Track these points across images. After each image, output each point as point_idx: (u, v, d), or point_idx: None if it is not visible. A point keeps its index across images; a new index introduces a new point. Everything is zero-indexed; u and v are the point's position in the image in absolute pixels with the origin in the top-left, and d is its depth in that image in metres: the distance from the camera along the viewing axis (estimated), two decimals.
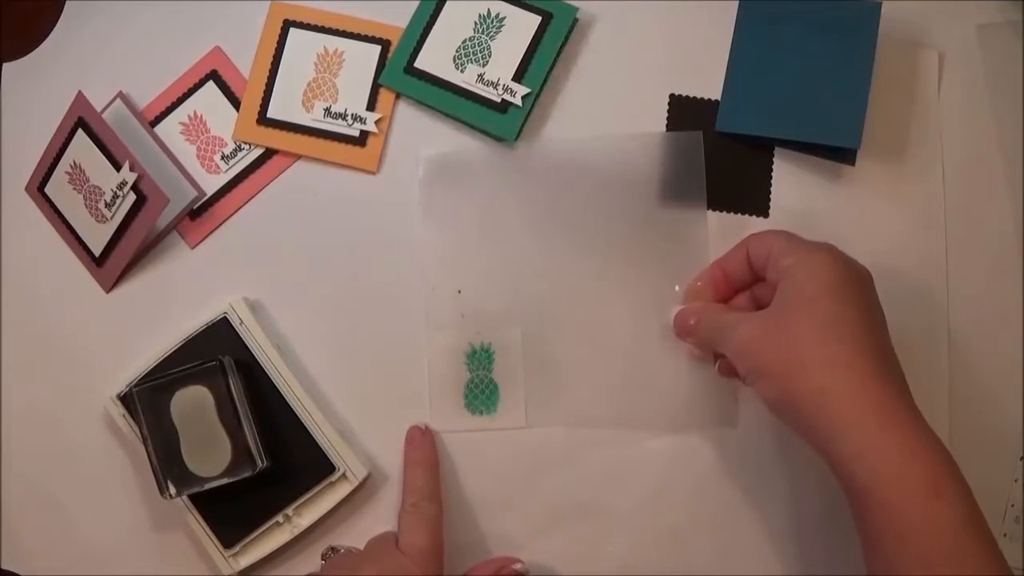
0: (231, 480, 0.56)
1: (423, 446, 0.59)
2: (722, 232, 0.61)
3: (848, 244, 0.61)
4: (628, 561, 0.59)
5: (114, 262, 0.62)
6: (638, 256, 0.61)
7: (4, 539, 0.62)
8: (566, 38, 0.63)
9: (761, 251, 0.53)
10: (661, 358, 0.60)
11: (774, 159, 0.62)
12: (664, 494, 0.60)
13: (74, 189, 0.62)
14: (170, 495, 0.56)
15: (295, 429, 0.59)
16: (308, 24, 0.64)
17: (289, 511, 0.58)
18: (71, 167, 0.62)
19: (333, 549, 0.57)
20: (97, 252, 0.62)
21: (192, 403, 0.57)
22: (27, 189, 0.65)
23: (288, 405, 0.59)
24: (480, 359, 0.61)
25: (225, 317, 0.60)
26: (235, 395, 0.57)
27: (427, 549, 0.54)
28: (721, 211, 0.62)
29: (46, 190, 0.64)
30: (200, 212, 0.63)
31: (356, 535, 0.59)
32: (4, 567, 0.61)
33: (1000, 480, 0.60)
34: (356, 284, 0.62)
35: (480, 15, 0.61)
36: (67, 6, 0.66)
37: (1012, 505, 0.60)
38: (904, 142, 0.62)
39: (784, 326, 0.49)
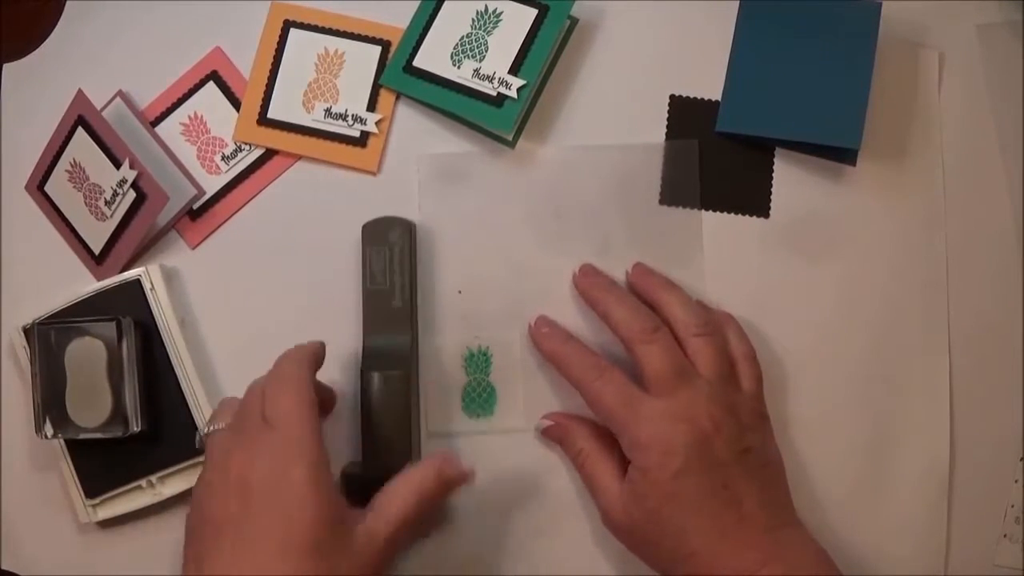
0: (103, 436, 0.58)
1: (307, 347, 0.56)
2: (722, 233, 0.61)
3: (848, 244, 0.61)
4: (629, 561, 0.59)
5: (114, 260, 0.62)
6: (636, 257, 0.61)
7: (4, 539, 0.62)
8: (565, 35, 0.63)
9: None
10: None
11: (774, 159, 0.62)
12: None
13: (74, 187, 0.62)
14: (45, 435, 0.58)
15: (177, 402, 0.60)
16: (308, 24, 0.64)
17: (153, 478, 0.59)
18: (71, 165, 0.62)
19: (205, 435, 0.54)
20: (97, 250, 0.62)
21: (86, 354, 0.58)
22: (27, 188, 0.65)
23: (176, 378, 0.60)
24: (478, 362, 0.61)
25: (138, 280, 0.61)
26: (125, 356, 0.58)
27: (292, 409, 0.50)
28: (722, 212, 0.62)
29: (46, 189, 0.64)
30: (200, 212, 0.63)
31: None
32: (4, 567, 0.61)
33: (1000, 480, 0.60)
34: (354, 284, 0.62)
35: (478, 11, 0.61)
36: (67, 6, 0.66)
37: (1012, 505, 0.60)
38: (904, 142, 0.62)
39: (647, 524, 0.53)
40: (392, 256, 0.59)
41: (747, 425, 0.54)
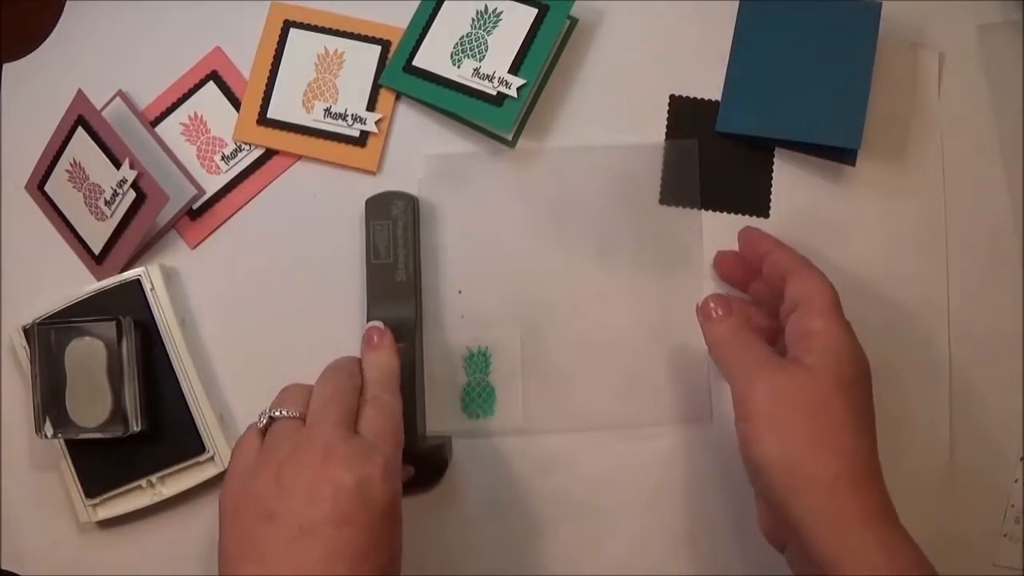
0: (103, 436, 0.58)
1: (382, 347, 0.56)
2: (722, 233, 0.61)
3: (848, 244, 0.61)
4: (628, 561, 0.59)
5: (114, 260, 0.62)
6: (636, 257, 0.61)
7: (4, 539, 0.62)
8: (565, 35, 0.63)
9: (777, 272, 0.55)
10: (659, 358, 0.61)
11: (774, 159, 0.62)
12: (663, 494, 0.60)
13: (74, 187, 0.62)
14: (45, 435, 0.58)
15: (177, 403, 0.60)
16: (308, 24, 0.64)
17: (153, 478, 0.60)
18: (71, 165, 0.62)
19: (272, 419, 0.51)
20: (97, 250, 0.62)
21: (86, 354, 0.58)
22: (27, 188, 0.65)
23: (176, 378, 0.60)
24: (477, 363, 0.61)
25: (138, 280, 0.61)
26: (125, 357, 0.58)
27: (386, 430, 0.50)
28: (721, 211, 0.62)
29: (46, 188, 0.64)
30: (200, 212, 0.63)
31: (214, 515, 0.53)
32: (4, 567, 0.61)
33: (1000, 480, 0.60)
34: (355, 282, 0.62)
35: (478, 11, 0.61)
36: (67, 6, 0.67)
37: (1012, 505, 0.60)
38: (904, 142, 0.62)
39: (812, 404, 0.49)
40: (395, 230, 0.59)
41: None
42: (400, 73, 0.62)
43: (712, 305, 0.54)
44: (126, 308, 0.60)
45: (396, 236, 0.59)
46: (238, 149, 0.64)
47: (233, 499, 0.48)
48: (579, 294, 0.61)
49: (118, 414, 0.58)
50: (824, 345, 0.50)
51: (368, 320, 0.58)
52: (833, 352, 0.50)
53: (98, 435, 0.58)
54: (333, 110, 0.63)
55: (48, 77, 0.66)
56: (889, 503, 0.48)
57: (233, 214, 0.63)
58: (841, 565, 0.46)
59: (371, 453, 0.48)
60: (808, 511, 0.47)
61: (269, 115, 0.63)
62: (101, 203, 0.61)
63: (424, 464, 0.58)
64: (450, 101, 0.61)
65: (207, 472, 0.60)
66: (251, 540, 0.46)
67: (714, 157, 0.62)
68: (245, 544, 0.47)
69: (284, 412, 0.51)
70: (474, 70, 0.60)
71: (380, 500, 0.47)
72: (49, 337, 0.58)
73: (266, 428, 0.51)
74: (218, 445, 0.60)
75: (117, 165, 0.60)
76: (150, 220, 0.60)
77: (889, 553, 0.46)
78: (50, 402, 0.58)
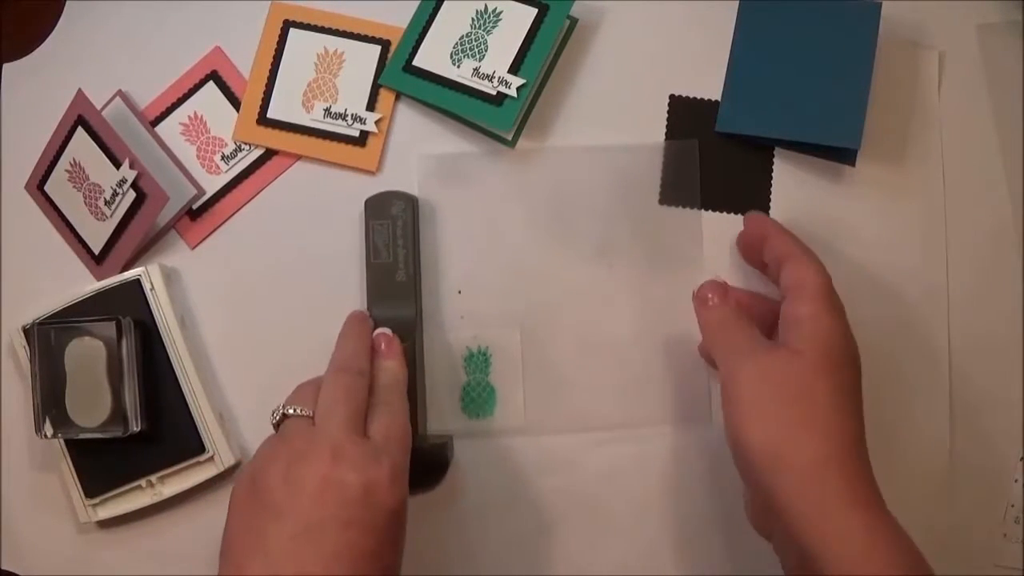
0: (103, 436, 0.58)
1: (391, 355, 0.56)
2: (722, 233, 0.61)
3: (848, 244, 0.61)
4: (628, 561, 0.59)
5: (114, 260, 0.62)
6: (635, 257, 0.61)
7: (4, 539, 0.62)
8: (565, 35, 0.63)
9: (774, 258, 0.55)
10: (660, 358, 0.61)
11: (774, 159, 0.62)
12: (663, 494, 0.60)
13: (74, 187, 0.62)
14: (44, 435, 0.58)
15: (177, 402, 0.60)
16: (308, 24, 0.64)
17: (153, 478, 0.60)
18: (71, 165, 0.62)
19: (284, 415, 0.51)
20: (97, 250, 0.62)
21: (85, 354, 0.58)
22: (27, 188, 0.65)
23: (176, 378, 0.60)
24: (477, 362, 0.61)
25: (138, 280, 0.61)
26: (125, 356, 0.58)
27: (395, 435, 0.50)
28: (721, 211, 0.62)
29: (46, 188, 0.64)
30: (200, 212, 0.63)
31: (217, 514, 0.53)
32: (4, 567, 0.61)
33: (1000, 480, 0.60)
34: (355, 282, 0.62)
35: (478, 11, 0.61)
36: (67, 6, 0.66)
37: (1012, 505, 0.60)
38: (904, 142, 0.62)
39: (798, 387, 0.49)
40: (395, 230, 0.59)
41: None
42: (400, 73, 0.62)
43: (707, 292, 0.55)
44: (126, 308, 0.60)
45: (396, 236, 0.59)
46: (238, 149, 0.64)
47: (243, 492, 0.49)
48: (579, 294, 0.61)
49: (118, 414, 0.58)
50: (812, 331, 0.50)
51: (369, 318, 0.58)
52: (821, 337, 0.50)
53: (98, 435, 0.58)
54: (333, 110, 0.63)
55: (48, 77, 0.65)
56: (875, 488, 0.48)
57: (233, 214, 0.63)
58: (825, 548, 0.46)
59: (379, 457, 0.48)
60: (791, 494, 0.47)
61: (269, 115, 0.63)
62: (101, 203, 0.61)
63: (425, 464, 0.58)
64: (450, 101, 0.61)
65: (207, 472, 0.60)
66: (256, 534, 0.46)
67: (714, 157, 0.62)
68: (251, 537, 0.47)
69: (297, 410, 0.51)
70: (474, 70, 0.60)
71: (386, 504, 0.47)
72: (49, 337, 0.58)
73: (278, 424, 0.52)
74: (218, 445, 0.60)
75: (117, 165, 0.60)
76: (150, 220, 0.60)
77: (873, 536, 0.46)
78: (50, 402, 0.58)
